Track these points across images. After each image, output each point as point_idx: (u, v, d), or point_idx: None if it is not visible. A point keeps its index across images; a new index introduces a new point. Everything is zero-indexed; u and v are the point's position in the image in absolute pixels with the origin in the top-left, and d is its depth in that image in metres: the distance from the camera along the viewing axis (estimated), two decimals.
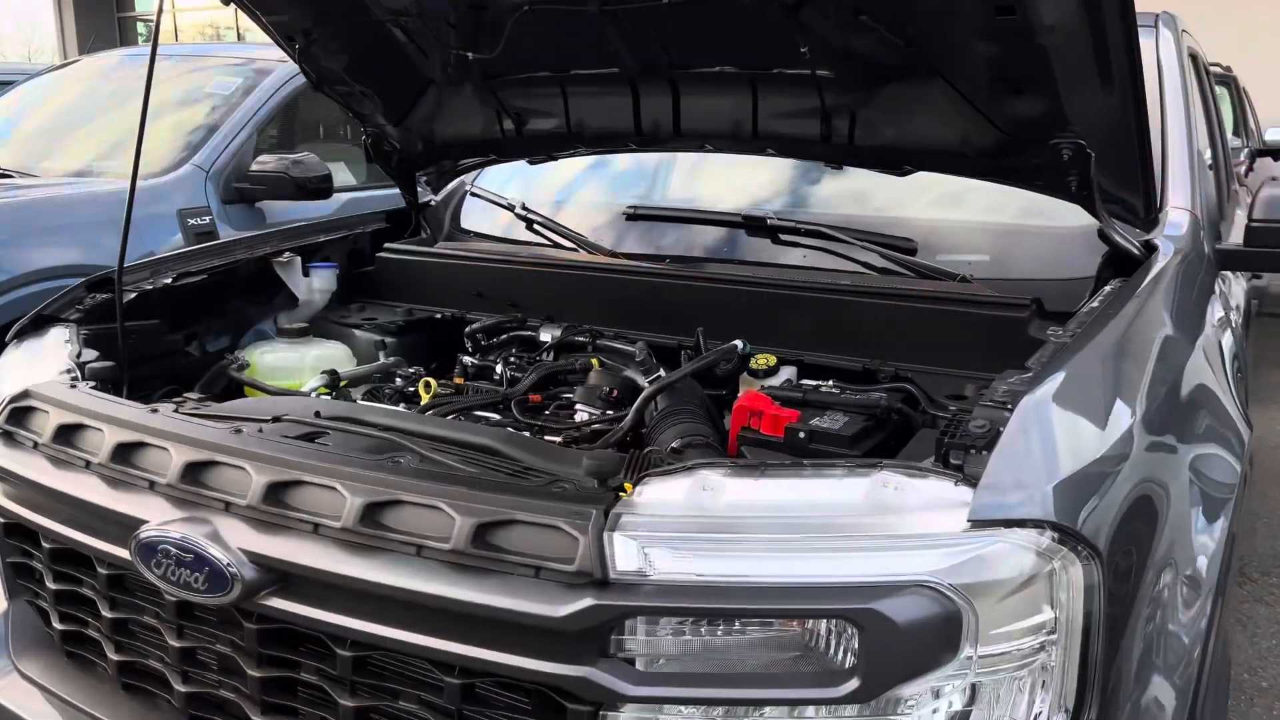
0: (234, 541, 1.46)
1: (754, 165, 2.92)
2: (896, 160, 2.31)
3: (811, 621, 1.25)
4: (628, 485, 1.43)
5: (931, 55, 2.03)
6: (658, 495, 1.34)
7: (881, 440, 1.93)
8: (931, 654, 1.23)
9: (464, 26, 2.40)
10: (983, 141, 2.13)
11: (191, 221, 4.45)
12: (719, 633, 1.26)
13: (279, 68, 4.96)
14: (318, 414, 1.76)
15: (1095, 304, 1.93)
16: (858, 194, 2.82)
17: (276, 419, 1.72)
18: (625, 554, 1.27)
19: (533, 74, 2.51)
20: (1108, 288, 2.06)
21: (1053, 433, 1.42)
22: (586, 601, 1.25)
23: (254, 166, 4.56)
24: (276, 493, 1.48)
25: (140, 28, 19.31)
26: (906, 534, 1.27)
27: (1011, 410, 1.42)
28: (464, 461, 1.55)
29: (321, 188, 4.49)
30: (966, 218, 2.59)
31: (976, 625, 1.24)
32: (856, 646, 1.23)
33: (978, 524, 1.26)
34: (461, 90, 2.66)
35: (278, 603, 1.45)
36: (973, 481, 1.30)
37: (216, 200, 4.55)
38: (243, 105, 4.84)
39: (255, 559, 1.44)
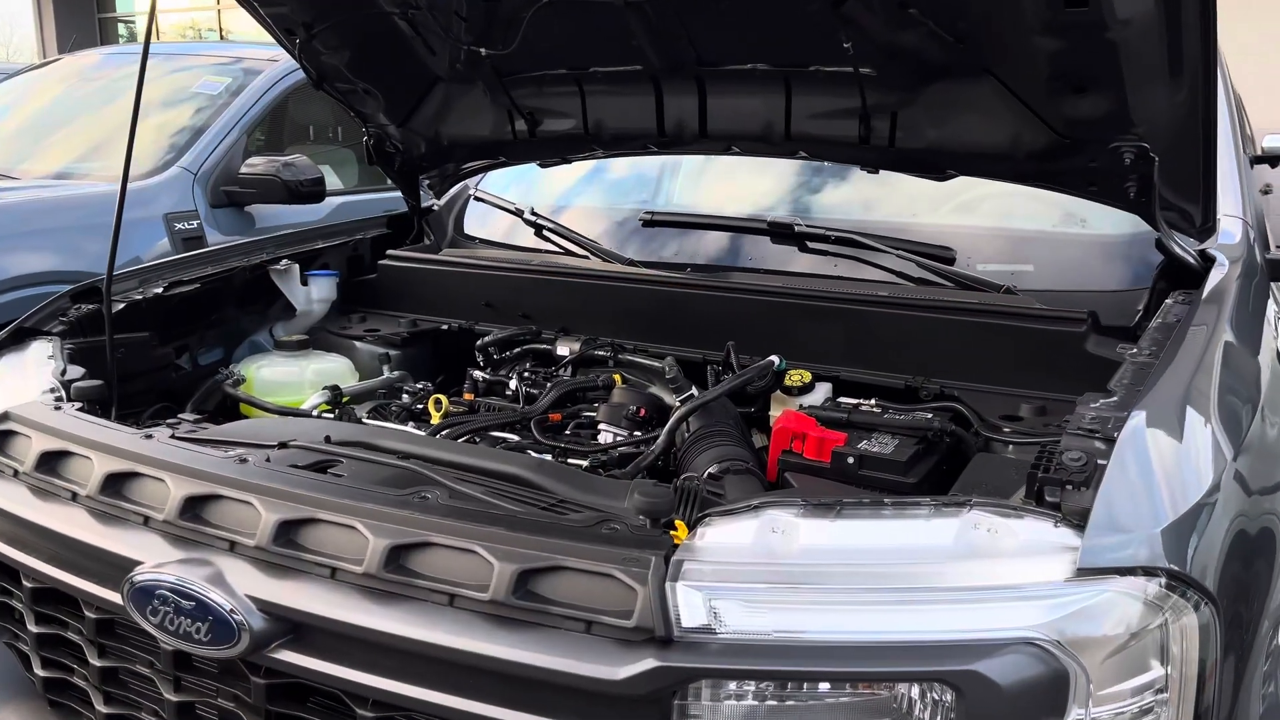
0: (240, 587, 1.30)
1: (763, 168, 2.78)
2: (938, 163, 2.17)
3: (900, 684, 1.11)
4: (679, 523, 1.29)
5: (984, 52, 1.90)
6: (723, 539, 1.19)
7: (935, 464, 1.80)
8: None
9: (475, 20, 2.25)
10: (1034, 144, 2.00)
11: (178, 226, 4.27)
12: (795, 697, 1.12)
13: (269, 68, 4.79)
14: (328, 439, 1.60)
15: (1163, 319, 1.80)
16: (880, 198, 2.69)
17: (283, 445, 1.57)
18: (690, 607, 1.13)
19: (549, 71, 2.37)
20: (1169, 301, 1.93)
21: (1153, 465, 1.28)
22: (648, 663, 1.10)
23: (243, 169, 4.39)
24: (288, 532, 1.32)
25: (121, 29, 19.02)
26: (1005, 584, 1.13)
27: (1104, 440, 1.29)
28: (494, 495, 1.40)
29: (314, 191, 4.33)
30: (1006, 225, 2.45)
31: (1087, 686, 1.10)
32: (954, 712, 1.09)
33: (1084, 572, 1.12)
34: (471, 89, 2.51)
35: (289, 656, 1.29)
36: (1073, 522, 1.17)
37: (204, 204, 4.37)
38: (232, 106, 4.66)
39: (264, 607, 1.29)
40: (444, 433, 1.95)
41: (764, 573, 1.15)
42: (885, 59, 1.98)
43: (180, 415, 1.84)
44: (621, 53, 2.22)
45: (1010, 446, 1.82)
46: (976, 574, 1.14)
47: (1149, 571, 1.14)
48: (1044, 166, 2.04)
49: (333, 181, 4.92)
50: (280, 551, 1.31)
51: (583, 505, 1.41)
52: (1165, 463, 1.30)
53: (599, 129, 2.44)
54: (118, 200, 1.88)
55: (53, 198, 4.11)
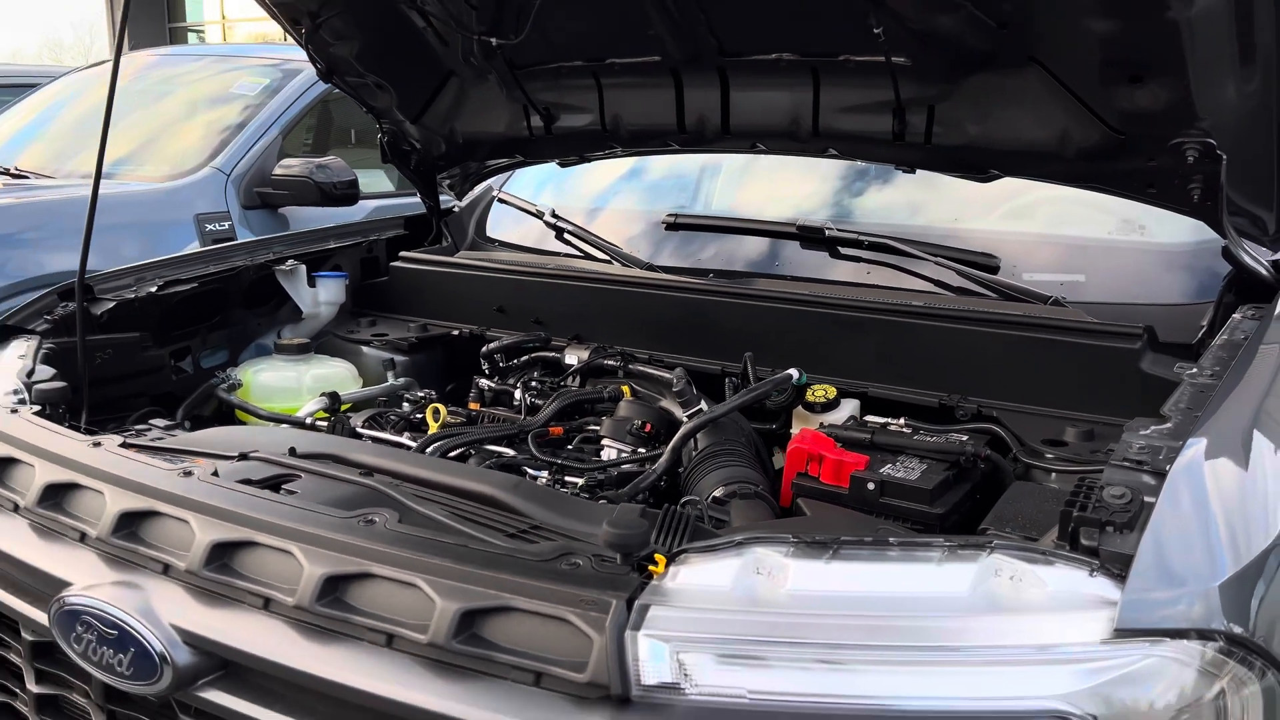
0: (167, 615, 1.17)
1: (807, 170, 2.61)
2: (980, 163, 2.00)
3: None
4: (659, 557, 1.13)
5: (1029, 38, 1.73)
6: (698, 580, 1.03)
7: (967, 493, 1.62)
8: None
9: (486, 8, 2.12)
10: (1085, 141, 1.82)
11: (209, 227, 4.22)
12: None
13: (307, 68, 4.71)
14: (293, 451, 1.47)
15: (1229, 336, 1.61)
16: (927, 203, 2.50)
17: (243, 456, 1.44)
18: (653, 661, 0.97)
19: (564, 63, 2.23)
20: (1237, 316, 1.74)
21: (1211, 505, 1.10)
22: None
23: (277, 170, 4.33)
24: (223, 555, 1.19)
25: (191, 37, 19.32)
26: (1029, 644, 0.95)
27: (1154, 474, 1.11)
28: (458, 517, 1.25)
29: (347, 194, 4.25)
30: (1057, 231, 2.26)
31: None
32: None
33: (1124, 633, 0.94)
34: (485, 82, 2.38)
35: (217, 696, 1.15)
36: (1113, 572, 0.99)
37: (237, 205, 4.32)
38: (268, 107, 4.61)
39: (191, 640, 1.15)
40: (433, 446, 1.82)
41: (743, 623, 0.99)
42: (920, 47, 1.81)
43: (151, 421, 1.72)
44: (639, 43, 2.08)
45: (1052, 474, 1.64)
46: (995, 631, 0.96)
47: (1204, 634, 0.96)
48: (1097, 166, 1.86)
49: (378, 184, 4.86)
50: (212, 577, 1.18)
51: (557, 532, 1.26)
52: (1227, 501, 1.11)
53: (617, 125, 2.29)
54: (90, 200, 1.78)
55: (84, 198, 4.07)
